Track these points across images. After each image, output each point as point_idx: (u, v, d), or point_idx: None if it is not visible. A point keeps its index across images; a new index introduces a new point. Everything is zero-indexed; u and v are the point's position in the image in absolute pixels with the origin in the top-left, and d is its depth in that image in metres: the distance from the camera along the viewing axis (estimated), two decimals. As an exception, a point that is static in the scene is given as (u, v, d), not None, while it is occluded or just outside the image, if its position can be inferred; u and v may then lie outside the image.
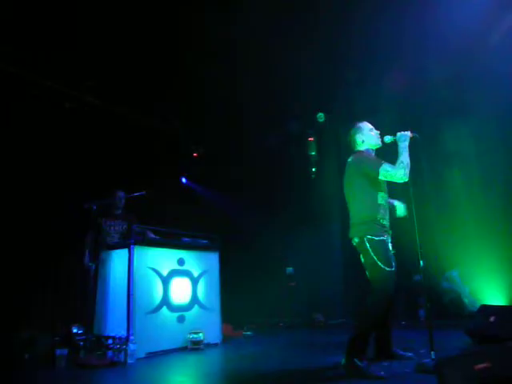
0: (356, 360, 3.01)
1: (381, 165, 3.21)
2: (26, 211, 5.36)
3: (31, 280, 5.27)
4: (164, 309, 4.64)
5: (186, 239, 5.12)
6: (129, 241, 4.50)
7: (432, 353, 2.97)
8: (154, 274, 4.64)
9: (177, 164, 7.68)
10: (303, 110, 7.25)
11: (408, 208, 3.52)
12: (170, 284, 4.76)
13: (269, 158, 7.80)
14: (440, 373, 2.47)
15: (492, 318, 3.81)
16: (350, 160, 3.50)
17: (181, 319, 4.78)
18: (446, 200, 6.01)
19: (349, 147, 3.64)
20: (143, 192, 5.30)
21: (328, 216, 7.42)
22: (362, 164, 3.38)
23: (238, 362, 4.14)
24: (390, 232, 3.39)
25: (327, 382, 3.10)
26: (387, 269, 3.15)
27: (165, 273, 4.75)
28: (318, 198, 7.47)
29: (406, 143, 3.27)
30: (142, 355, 4.22)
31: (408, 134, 3.32)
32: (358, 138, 3.53)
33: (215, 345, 4.98)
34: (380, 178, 3.24)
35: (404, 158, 3.20)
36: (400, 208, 3.60)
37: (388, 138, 3.44)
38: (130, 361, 3.99)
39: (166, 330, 4.58)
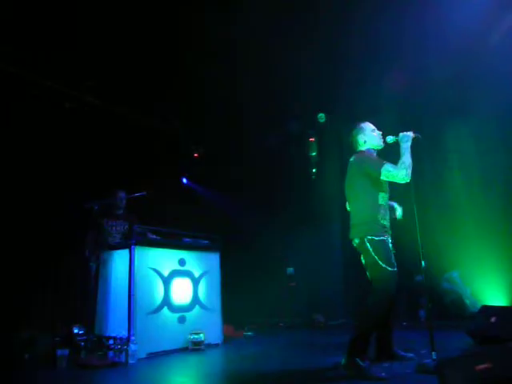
0: (358, 359, 3.01)
1: (383, 165, 3.21)
2: (26, 211, 5.36)
3: (31, 280, 5.27)
4: (165, 309, 4.64)
5: (187, 239, 5.12)
6: (130, 241, 4.50)
7: (433, 353, 2.97)
8: (155, 274, 4.64)
9: (177, 164, 7.68)
10: (303, 110, 7.24)
11: (408, 209, 3.51)
12: (170, 284, 4.76)
13: (269, 158, 7.80)
14: (441, 373, 2.47)
15: (493, 319, 3.81)
16: (351, 160, 3.49)
17: (182, 320, 4.78)
18: (446, 200, 6.01)
19: (350, 147, 3.63)
20: (144, 192, 5.30)
21: (328, 216, 7.41)
22: (364, 164, 3.37)
23: (238, 363, 4.14)
24: (390, 232, 3.39)
25: (327, 382, 3.10)
26: (389, 269, 3.16)
27: (166, 273, 4.75)
28: (318, 199, 7.47)
29: (409, 144, 3.27)
30: (143, 356, 4.22)
31: (410, 134, 3.31)
32: (360, 138, 3.53)
33: (216, 345, 4.98)
34: (382, 178, 3.24)
35: (406, 158, 3.20)
36: (398, 210, 3.61)
37: (390, 139, 3.43)
38: (130, 361, 3.99)
39: (167, 330, 4.58)
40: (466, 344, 3.96)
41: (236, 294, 6.01)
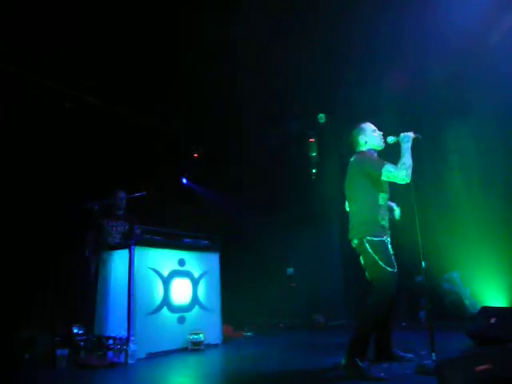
0: (357, 360, 3.00)
1: (383, 165, 3.21)
2: (26, 211, 5.36)
3: (31, 280, 5.27)
4: (164, 309, 4.64)
5: (187, 240, 5.12)
6: (129, 241, 4.50)
7: (433, 354, 2.96)
8: (155, 274, 4.64)
9: (177, 164, 7.67)
10: (303, 111, 7.24)
11: (408, 210, 3.51)
12: (170, 285, 4.76)
13: (269, 158, 7.79)
14: (441, 374, 2.47)
15: (493, 320, 3.80)
16: (352, 160, 3.49)
17: (181, 320, 4.77)
18: (446, 201, 6.00)
19: (351, 148, 3.62)
20: (144, 192, 5.30)
21: (328, 216, 7.41)
22: (365, 164, 3.37)
23: (238, 363, 4.14)
24: (389, 232, 3.39)
25: (327, 382, 3.10)
26: (389, 269, 3.15)
27: (165, 273, 4.75)
28: (318, 199, 7.46)
29: (409, 144, 3.27)
30: (143, 356, 4.22)
31: (411, 134, 3.31)
32: (361, 139, 3.52)
33: (215, 345, 4.98)
34: (382, 178, 3.23)
35: (406, 159, 3.19)
36: (396, 211, 3.61)
37: (391, 139, 3.43)
38: (130, 361, 3.99)
39: (167, 330, 4.58)
40: (466, 345, 3.95)
41: (236, 294, 6.01)
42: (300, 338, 5.86)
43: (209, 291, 5.20)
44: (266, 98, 6.61)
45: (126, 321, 4.20)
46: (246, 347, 5.06)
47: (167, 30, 5.29)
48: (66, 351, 3.97)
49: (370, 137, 3.51)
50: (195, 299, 5.02)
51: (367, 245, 3.21)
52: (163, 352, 4.44)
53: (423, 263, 3.17)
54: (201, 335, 4.69)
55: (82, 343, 4.24)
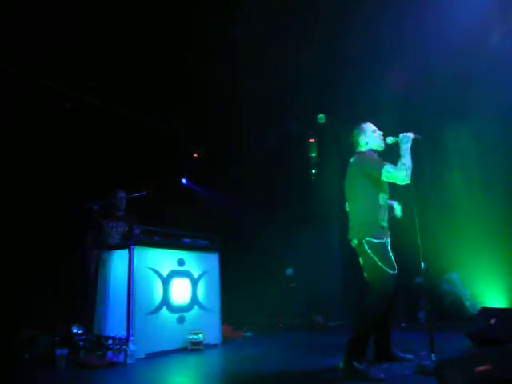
0: (355, 363, 3.00)
1: (383, 166, 3.20)
2: (26, 211, 5.36)
3: (31, 280, 5.27)
4: (164, 309, 4.64)
5: (187, 240, 5.12)
6: (129, 241, 4.50)
7: (432, 355, 2.96)
8: (154, 274, 4.64)
9: (177, 164, 7.67)
10: (303, 111, 7.23)
11: (408, 210, 3.51)
12: (169, 285, 4.76)
13: (269, 158, 7.79)
14: (440, 375, 2.47)
15: (493, 321, 3.79)
16: (351, 160, 3.48)
17: (181, 320, 4.78)
18: (446, 201, 5.99)
19: (350, 148, 3.62)
20: (143, 193, 5.30)
21: (328, 217, 7.41)
22: (365, 164, 3.36)
23: (237, 363, 4.14)
24: (389, 233, 3.38)
25: (326, 383, 3.09)
26: (389, 271, 3.15)
27: (165, 273, 4.75)
28: (317, 199, 7.46)
29: (409, 145, 3.26)
30: (142, 356, 4.22)
31: (410, 135, 3.30)
32: (362, 139, 3.50)
33: (215, 346, 4.98)
34: (382, 178, 3.23)
35: (406, 159, 3.18)
36: (397, 208, 3.59)
37: (390, 139, 3.42)
38: (129, 361, 4.00)
39: (166, 330, 4.59)
40: (466, 346, 3.95)
41: (235, 294, 6.00)
42: (299, 338, 5.86)
43: (208, 291, 5.20)
44: (266, 98, 6.60)
45: (126, 321, 4.21)
46: (245, 347, 5.07)
47: (167, 30, 5.28)
48: (65, 351, 3.98)
49: (371, 137, 3.49)
50: (195, 299, 5.02)
51: (366, 246, 3.20)
52: (162, 352, 4.44)
53: (423, 264, 3.17)
54: (200, 335, 4.69)
55: (82, 343, 4.24)
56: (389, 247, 3.31)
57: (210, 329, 4.97)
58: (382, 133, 3.53)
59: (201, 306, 5.06)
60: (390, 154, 3.37)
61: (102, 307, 4.66)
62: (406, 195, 3.51)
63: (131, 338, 4.12)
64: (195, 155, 8.00)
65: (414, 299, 5.96)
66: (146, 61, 5.72)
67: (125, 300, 4.28)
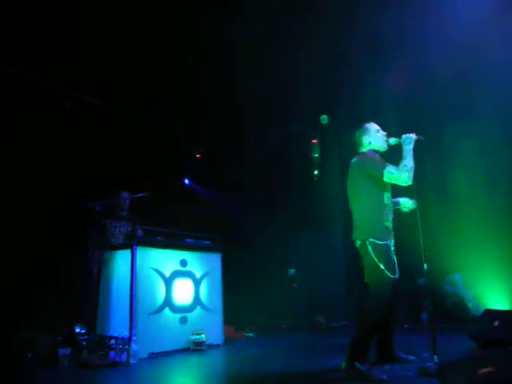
0: (357, 363, 3.00)
1: (385, 166, 3.20)
2: (26, 211, 5.34)
3: (31, 280, 5.26)
4: (166, 310, 4.65)
5: (189, 240, 5.13)
6: (132, 242, 4.51)
7: (435, 357, 2.95)
8: (157, 274, 4.65)
9: (177, 164, 7.66)
10: (303, 111, 7.23)
11: (410, 211, 3.52)
12: (172, 285, 4.77)
13: (269, 158, 7.78)
14: (443, 377, 2.48)
15: (496, 323, 3.80)
16: (353, 161, 3.47)
17: (183, 320, 4.79)
18: (448, 202, 5.98)
19: (353, 148, 3.61)
20: (145, 193, 5.30)
21: (330, 217, 7.40)
22: (367, 165, 3.35)
23: (239, 364, 4.15)
24: (393, 233, 3.36)
25: (329, 384, 3.11)
26: (390, 276, 3.13)
27: (167, 274, 4.76)
28: (320, 199, 7.46)
29: (411, 146, 3.24)
30: (145, 355, 4.24)
31: (413, 136, 3.29)
32: (365, 139, 3.49)
33: (217, 346, 4.99)
34: (384, 179, 3.22)
35: (408, 161, 3.18)
36: (407, 203, 3.56)
37: (393, 140, 3.42)
38: (132, 361, 4.01)
39: (169, 330, 4.60)
40: (469, 347, 3.95)
41: (237, 294, 6.01)
42: (301, 339, 5.87)
43: (211, 292, 5.20)
44: (266, 98, 6.60)
45: (128, 321, 4.22)
46: (247, 348, 5.08)
47: (167, 30, 5.27)
48: (68, 351, 4.00)
49: (374, 137, 3.48)
50: (197, 300, 5.03)
51: (370, 247, 3.18)
52: (165, 352, 4.45)
53: (425, 265, 3.16)
54: (203, 335, 4.70)
55: (84, 343, 4.25)
56: (393, 250, 3.29)
57: (212, 329, 4.98)
58: (385, 133, 3.51)
59: (203, 307, 5.07)
60: (393, 155, 3.37)
61: (105, 307, 4.67)
62: (408, 196, 3.53)
63: (134, 338, 4.13)
64: (198, 155, 7.98)
65: (417, 301, 5.96)
66: (146, 61, 5.70)
67: (127, 300, 4.29)
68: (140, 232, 4.87)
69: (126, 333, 4.17)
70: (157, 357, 4.33)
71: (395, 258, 3.28)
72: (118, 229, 5.26)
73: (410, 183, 3.17)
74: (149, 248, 4.63)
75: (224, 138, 7.57)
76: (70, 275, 5.51)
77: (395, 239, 3.37)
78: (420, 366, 3.10)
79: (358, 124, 3.61)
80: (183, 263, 4.97)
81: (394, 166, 3.19)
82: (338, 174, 6.77)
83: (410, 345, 4.15)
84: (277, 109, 6.90)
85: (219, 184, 7.89)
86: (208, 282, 5.21)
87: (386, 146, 3.48)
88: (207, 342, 4.75)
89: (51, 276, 5.49)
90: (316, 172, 7.85)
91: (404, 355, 3.46)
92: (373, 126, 3.52)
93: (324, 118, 7.27)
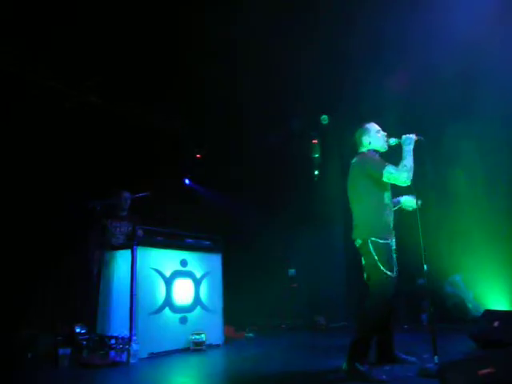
0: (357, 364, 3.01)
1: (385, 166, 3.21)
2: (26, 211, 5.35)
3: (31, 280, 5.27)
4: (167, 310, 4.66)
5: (189, 240, 5.13)
6: (132, 242, 4.51)
7: (435, 357, 2.95)
8: (157, 274, 4.66)
9: (177, 164, 7.66)
10: (304, 111, 7.22)
11: (410, 212, 3.52)
12: (172, 285, 4.78)
13: (269, 158, 7.77)
14: (443, 377, 2.48)
15: (496, 323, 3.80)
16: (353, 161, 3.48)
17: (183, 320, 4.79)
18: (448, 203, 5.98)
19: (353, 148, 3.61)
20: (147, 193, 5.30)
21: (330, 217, 7.40)
22: (367, 165, 3.36)
23: (239, 364, 4.16)
24: (394, 233, 3.37)
25: (329, 385, 3.11)
26: (389, 274, 3.13)
27: (167, 274, 4.76)
28: (320, 199, 7.45)
29: (411, 146, 3.25)
30: (145, 355, 4.24)
31: (413, 137, 3.29)
32: (365, 139, 3.50)
33: (217, 346, 5.00)
34: (383, 179, 3.23)
35: (407, 161, 3.19)
36: (410, 201, 3.54)
37: (393, 141, 3.42)
38: (132, 361, 4.01)
39: (169, 330, 4.60)
40: (469, 348, 3.95)
41: (237, 295, 6.00)
42: (301, 339, 5.87)
43: (211, 292, 5.21)
44: (266, 98, 6.59)
45: (129, 320, 4.22)
46: (247, 348, 5.09)
47: (167, 30, 5.26)
48: (68, 350, 4.00)
49: (374, 137, 3.48)
50: (197, 300, 5.03)
51: (371, 246, 3.18)
52: (165, 352, 4.46)
53: (425, 266, 3.16)
54: (202, 335, 4.71)
55: (85, 342, 4.25)
56: (393, 249, 3.30)
57: (212, 329, 4.99)
58: (385, 133, 3.51)
59: (203, 307, 5.07)
60: (393, 156, 3.37)
61: (105, 307, 4.67)
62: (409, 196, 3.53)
63: (134, 338, 4.14)
64: (198, 156, 7.98)
65: (417, 301, 5.95)
66: (147, 61, 5.69)
67: (127, 300, 4.29)
68: (140, 232, 4.87)
69: (126, 333, 4.17)
70: (157, 357, 4.33)
71: (395, 257, 3.29)
72: (118, 229, 5.27)
73: (409, 183, 3.18)
74: (149, 248, 4.64)
75: (224, 137, 7.57)
76: (70, 275, 5.51)
77: (396, 239, 3.38)
78: (420, 366, 3.10)
79: (358, 124, 3.61)
80: (183, 263, 4.97)
81: (394, 166, 3.20)
82: (339, 174, 6.76)
83: (410, 345, 4.14)
84: (277, 109, 6.88)
85: (219, 184, 7.89)
86: (208, 282, 5.21)
87: (386, 147, 3.49)
88: (207, 342, 4.75)
89: (51, 276, 5.49)
90: (316, 172, 7.84)
91: (404, 356, 3.46)
92: (373, 127, 3.53)
93: (324, 118, 7.26)
